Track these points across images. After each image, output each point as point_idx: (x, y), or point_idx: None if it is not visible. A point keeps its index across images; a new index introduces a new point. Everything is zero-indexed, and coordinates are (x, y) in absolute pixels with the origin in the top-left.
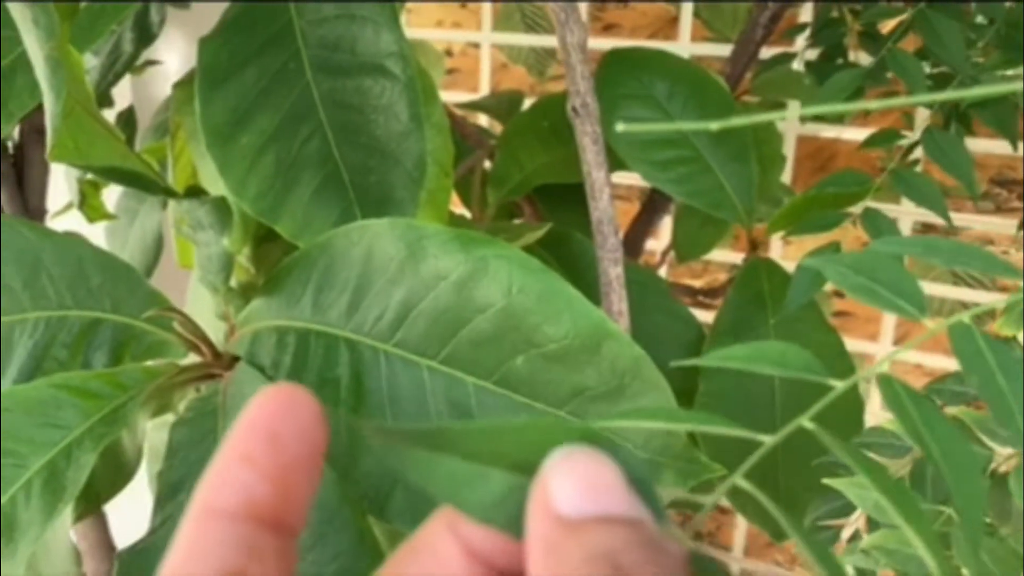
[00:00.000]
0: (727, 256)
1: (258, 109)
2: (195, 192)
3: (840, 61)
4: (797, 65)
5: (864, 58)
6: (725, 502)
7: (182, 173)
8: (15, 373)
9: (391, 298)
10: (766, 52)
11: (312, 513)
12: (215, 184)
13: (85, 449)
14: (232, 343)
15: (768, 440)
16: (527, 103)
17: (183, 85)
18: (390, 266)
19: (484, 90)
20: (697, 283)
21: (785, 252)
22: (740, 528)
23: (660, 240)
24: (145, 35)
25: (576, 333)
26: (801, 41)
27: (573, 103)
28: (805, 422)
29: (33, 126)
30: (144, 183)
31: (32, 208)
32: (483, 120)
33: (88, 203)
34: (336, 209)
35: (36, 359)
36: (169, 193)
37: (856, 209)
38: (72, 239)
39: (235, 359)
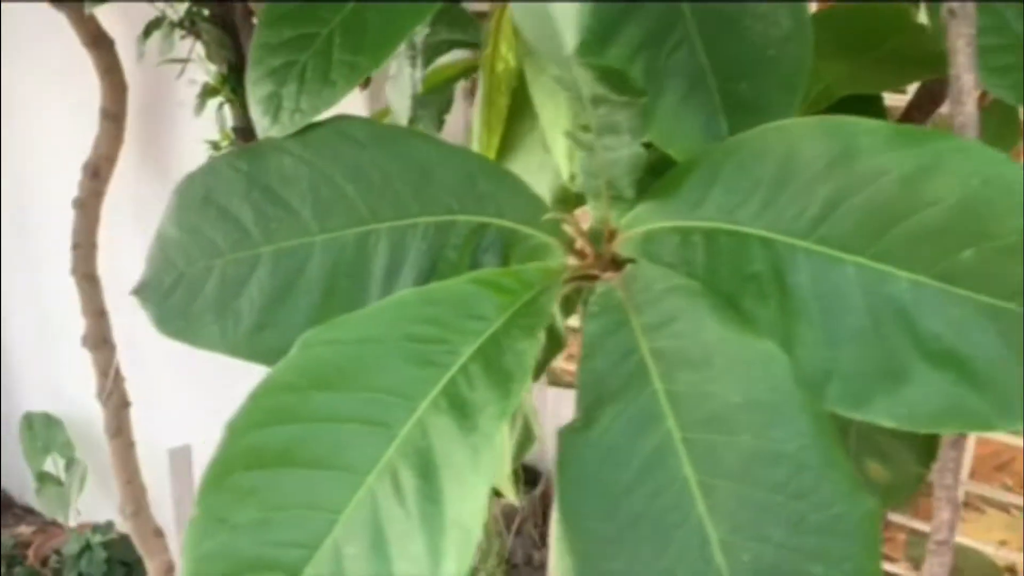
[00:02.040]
0: None
1: (625, 20)
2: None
3: None
4: None
5: None
6: None
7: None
8: (414, 273)
9: (813, 196)
10: None
11: (770, 393)
12: (552, 102)
13: (514, 338)
14: (618, 245)
15: None
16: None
17: None
18: (816, 164)
19: None
20: None
21: None
22: (967, 452)
23: None
24: None
25: None
26: None
27: (950, 4)
28: None
29: None
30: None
31: None
32: None
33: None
34: (700, 117)
35: (432, 260)
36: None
37: None
38: (460, 149)
39: (613, 261)
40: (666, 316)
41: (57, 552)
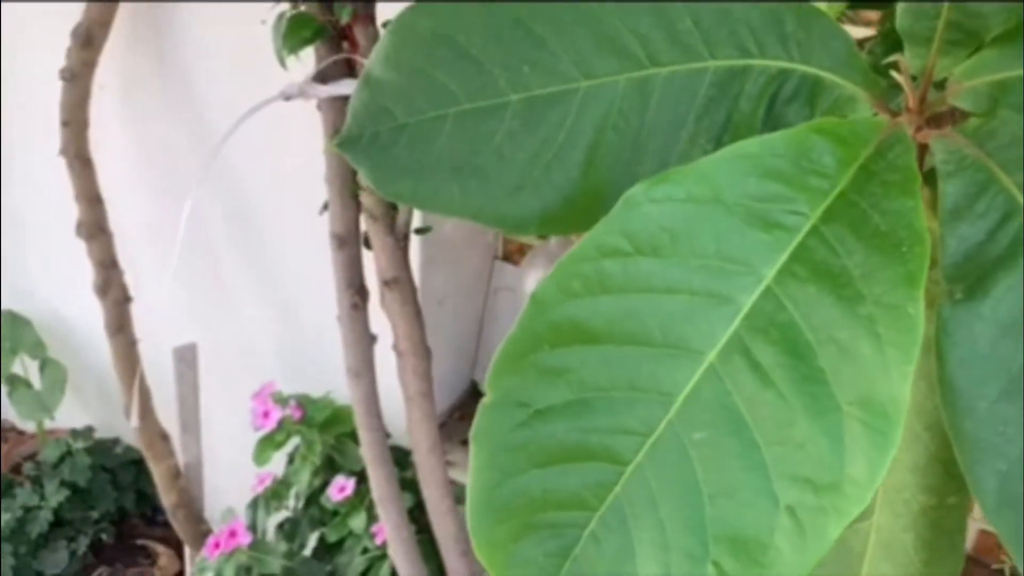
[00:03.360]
0: None
1: None
2: None
3: None
4: None
5: None
6: None
7: None
8: (704, 126)
9: None
10: None
11: None
12: None
13: (876, 196)
14: (952, 96)
15: None
16: None
17: None
18: None
19: None
20: None
21: None
22: None
23: None
24: None
25: None
26: None
27: None
28: None
29: None
30: None
31: None
32: None
33: None
34: None
35: (725, 111)
36: None
37: None
38: None
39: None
40: None
41: (31, 458)
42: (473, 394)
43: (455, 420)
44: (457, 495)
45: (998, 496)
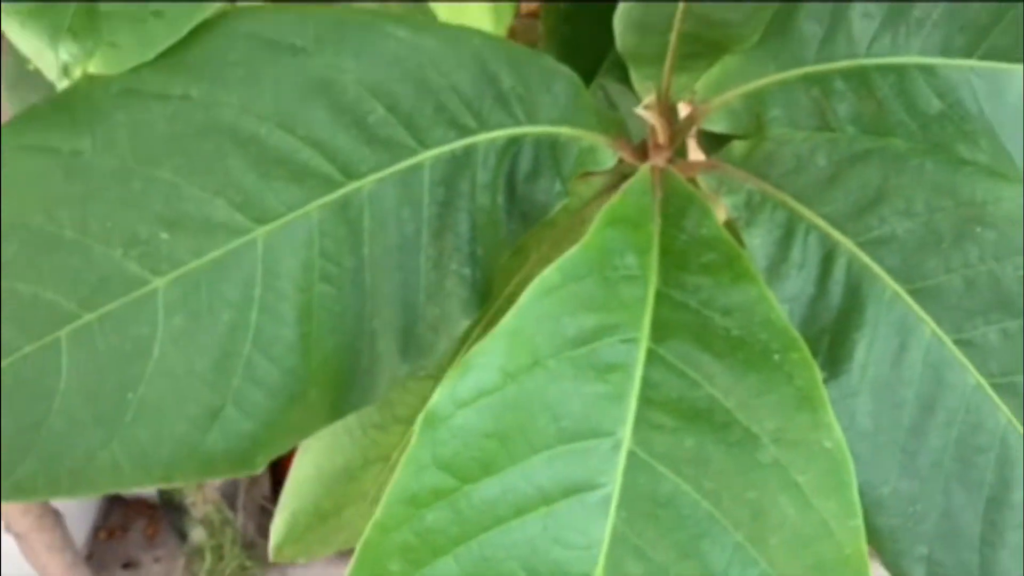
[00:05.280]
0: None
1: None
2: None
3: None
4: None
5: None
6: None
7: None
8: (448, 242)
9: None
10: None
11: None
12: None
13: (702, 290)
14: (704, 119)
15: None
16: None
17: None
18: None
19: None
20: None
21: None
22: None
23: None
24: None
25: None
26: None
27: None
28: None
29: None
30: None
31: None
32: None
33: None
34: None
35: (467, 213)
36: None
37: None
38: (460, 31)
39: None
40: (866, 196)
41: None
42: (113, 498)
43: (103, 542)
44: None
45: None
